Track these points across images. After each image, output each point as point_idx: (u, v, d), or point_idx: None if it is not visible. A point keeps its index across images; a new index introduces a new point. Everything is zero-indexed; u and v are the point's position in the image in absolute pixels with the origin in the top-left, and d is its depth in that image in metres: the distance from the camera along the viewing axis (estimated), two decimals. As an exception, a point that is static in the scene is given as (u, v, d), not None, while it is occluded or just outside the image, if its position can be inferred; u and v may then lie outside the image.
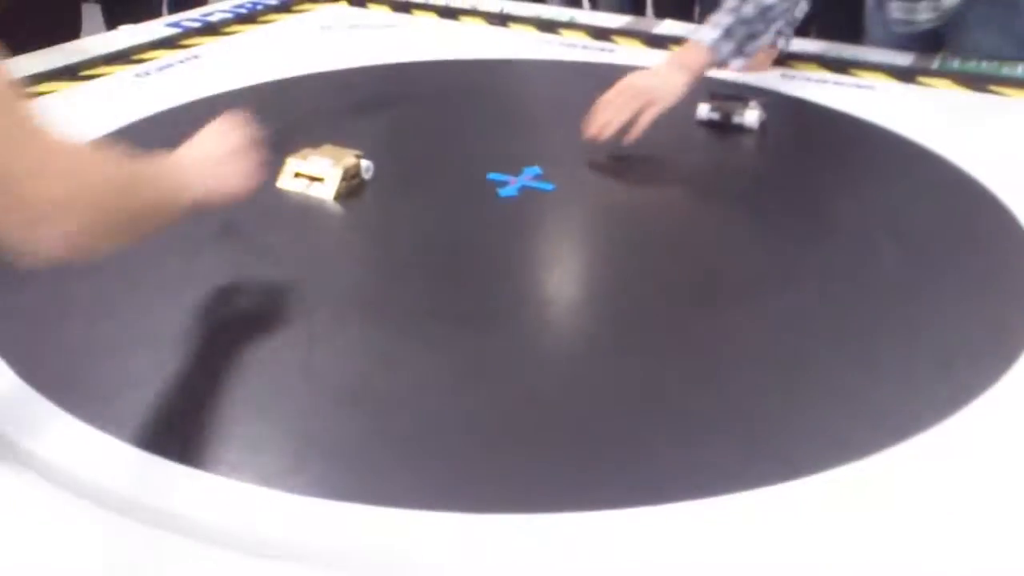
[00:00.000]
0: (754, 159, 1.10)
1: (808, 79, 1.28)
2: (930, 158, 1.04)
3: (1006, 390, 0.67)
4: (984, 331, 0.74)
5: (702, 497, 0.57)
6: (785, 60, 1.33)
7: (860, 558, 0.54)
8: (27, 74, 1.24)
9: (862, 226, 0.92)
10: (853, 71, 1.30)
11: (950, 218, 0.94)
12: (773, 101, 1.15)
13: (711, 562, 0.54)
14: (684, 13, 1.96)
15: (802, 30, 1.34)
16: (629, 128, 1.00)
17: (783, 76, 1.29)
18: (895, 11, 1.30)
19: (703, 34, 1.07)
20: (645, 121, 1.01)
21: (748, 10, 1.06)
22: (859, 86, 1.26)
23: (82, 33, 1.61)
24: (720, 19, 1.07)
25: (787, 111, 1.16)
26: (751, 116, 1.11)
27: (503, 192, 0.96)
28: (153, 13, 1.67)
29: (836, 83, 1.27)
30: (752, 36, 1.07)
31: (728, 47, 1.06)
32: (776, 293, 0.80)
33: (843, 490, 0.58)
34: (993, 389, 0.66)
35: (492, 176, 0.98)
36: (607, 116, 1.00)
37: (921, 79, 1.27)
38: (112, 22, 1.62)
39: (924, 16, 1.27)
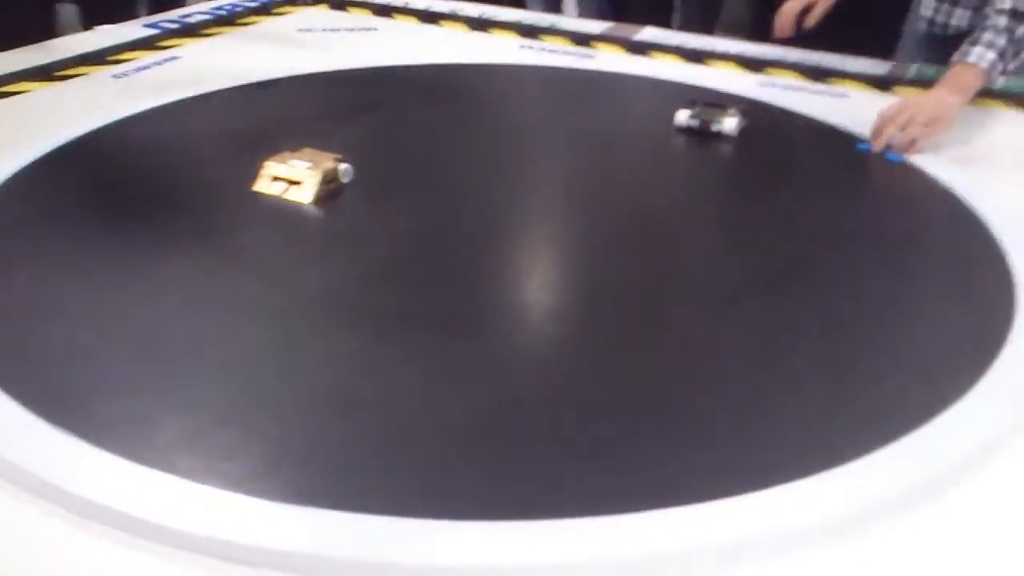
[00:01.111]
0: (733, 166, 1.10)
1: (787, 87, 1.29)
2: (905, 167, 1.05)
3: (983, 395, 0.67)
4: (960, 338, 0.75)
5: (686, 503, 0.57)
6: (763, 68, 1.34)
7: (847, 560, 0.55)
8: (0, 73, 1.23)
9: (839, 233, 0.92)
10: (831, 80, 1.32)
11: (924, 226, 0.95)
12: (752, 108, 1.16)
13: (698, 567, 0.54)
14: (662, 20, 1.97)
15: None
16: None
17: (761, 84, 1.30)
18: (925, 9, 1.31)
19: (978, 56, 1.08)
20: (921, 145, 1.05)
21: (1021, 31, 1.07)
22: (836, 95, 1.27)
23: (60, 34, 1.60)
24: (993, 39, 1.08)
25: (766, 118, 1.17)
26: (730, 123, 1.11)
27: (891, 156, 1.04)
28: (130, 14, 1.65)
29: (814, 91, 1.28)
30: (1016, 54, 1.09)
31: (999, 67, 1.09)
32: (754, 299, 0.80)
33: (826, 494, 0.58)
34: (970, 394, 0.67)
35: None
36: (889, 133, 1.05)
37: (897, 88, 1.28)
38: (89, 23, 1.60)
39: (956, 20, 1.28)
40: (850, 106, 1.22)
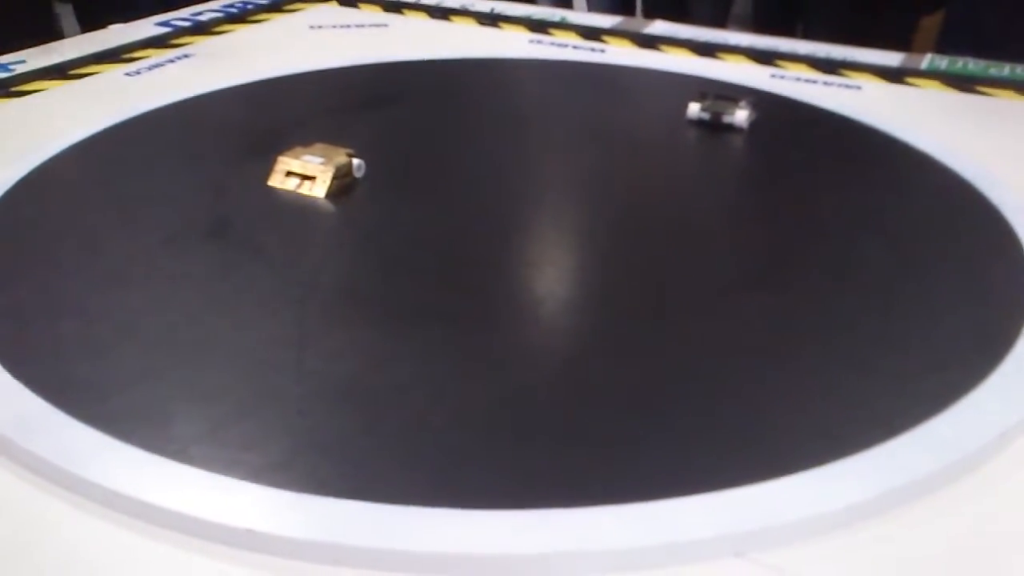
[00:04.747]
0: (744, 158, 1.10)
1: (798, 79, 1.29)
2: (918, 157, 1.05)
3: (994, 388, 0.67)
4: (972, 329, 0.75)
5: (691, 494, 0.57)
6: (774, 60, 1.34)
7: (851, 552, 0.55)
8: (15, 73, 1.24)
9: (851, 224, 0.92)
10: (842, 71, 1.31)
11: (939, 216, 0.95)
12: (763, 101, 1.16)
13: (701, 558, 0.54)
14: (675, 13, 1.97)
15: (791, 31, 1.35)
16: None
17: (773, 76, 1.30)
18: None
19: None
20: None
21: None
22: (847, 86, 1.27)
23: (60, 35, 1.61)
24: None
25: (777, 111, 1.17)
26: (741, 116, 1.11)
27: None
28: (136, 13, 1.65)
29: (825, 83, 1.28)
30: None
31: None
32: (765, 291, 0.80)
33: (832, 486, 0.58)
34: (981, 387, 0.67)
35: None
36: None
37: (909, 80, 1.28)
38: (86, 23, 1.61)
39: None
40: (862, 98, 1.22)
